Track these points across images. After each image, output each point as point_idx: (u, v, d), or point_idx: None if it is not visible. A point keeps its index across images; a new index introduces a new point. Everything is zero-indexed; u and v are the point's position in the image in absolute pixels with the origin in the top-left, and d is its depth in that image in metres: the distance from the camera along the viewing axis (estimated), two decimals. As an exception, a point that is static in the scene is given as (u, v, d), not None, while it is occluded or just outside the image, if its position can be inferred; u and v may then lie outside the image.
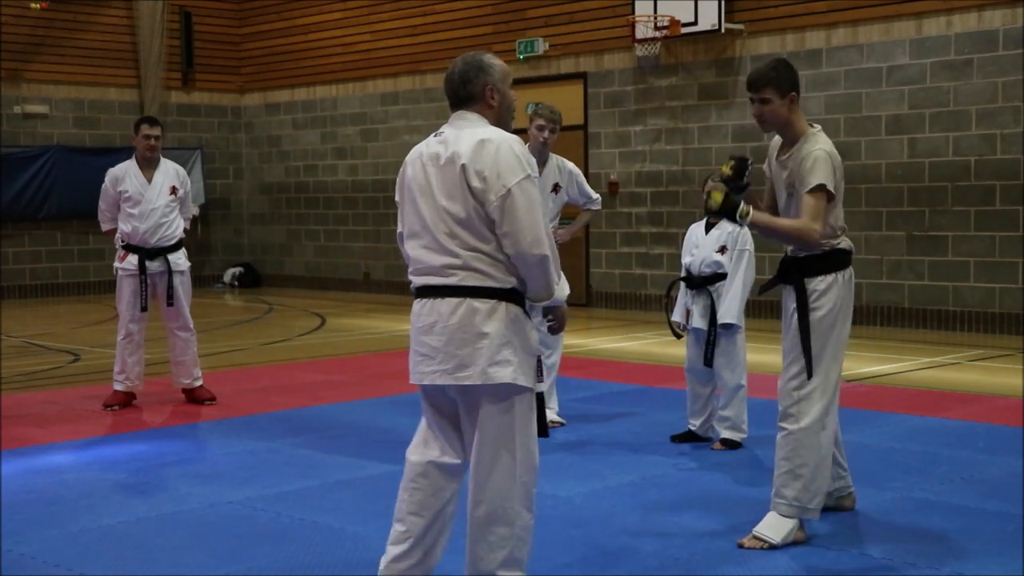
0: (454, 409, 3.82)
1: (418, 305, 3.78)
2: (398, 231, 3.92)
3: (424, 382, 3.78)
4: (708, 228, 6.59)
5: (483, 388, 3.67)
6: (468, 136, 3.70)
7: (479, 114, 3.80)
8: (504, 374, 3.66)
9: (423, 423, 3.92)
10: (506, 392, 3.69)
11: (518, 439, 3.72)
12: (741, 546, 4.66)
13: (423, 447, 3.87)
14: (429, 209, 3.72)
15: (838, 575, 4.40)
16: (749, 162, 4.82)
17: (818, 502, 4.75)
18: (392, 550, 3.86)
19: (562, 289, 3.84)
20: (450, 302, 3.69)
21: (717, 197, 4.65)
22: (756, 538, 4.67)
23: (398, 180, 3.92)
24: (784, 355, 4.82)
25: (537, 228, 3.64)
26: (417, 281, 3.79)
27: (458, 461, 3.85)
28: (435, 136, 3.81)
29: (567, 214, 7.41)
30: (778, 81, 4.66)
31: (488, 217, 3.65)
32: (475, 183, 3.63)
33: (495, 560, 3.70)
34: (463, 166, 3.64)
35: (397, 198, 3.94)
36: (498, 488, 3.70)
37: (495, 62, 3.83)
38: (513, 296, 3.73)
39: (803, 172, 4.62)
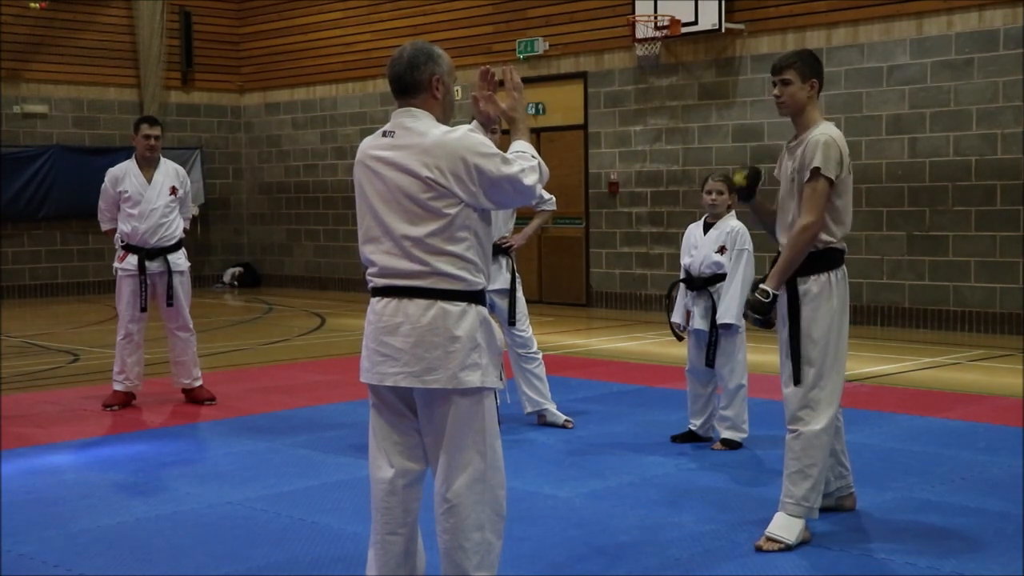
0: (411, 410, 3.71)
1: (380, 304, 3.66)
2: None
3: (386, 383, 3.63)
4: (706, 228, 6.58)
5: (450, 391, 3.60)
6: (422, 138, 3.60)
7: (425, 108, 3.68)
8: (473, 378, 3.60)
9: (376, 435, 3.75)
10: (473, 394, 3.64)
11: (486, 440, 3.66)
12: (759, 548, 4.64)
13: (385, 464, 3.72)
14: (393, 216, 3.61)
15: (839, 575, 4.40)
16: (762, 173, 4.91)
17: (820, 502, 4.79)
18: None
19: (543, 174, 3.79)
20: (420, 303, 3.59)
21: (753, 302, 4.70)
22: (771, 539, 4.66)
23: (354, 179, 3.78)
24: (782, 358, 4.82)
25: (520, 184, 3.64)
26: (380, 282, 3.67)
27: (421, 467, 3.76)
28: (385, 136, 3.68)
29: (522, 215, 7.29)
30: (800, 66, 4.77)
31: (476, 216, 3.63)
32: (459, 189, 3.56)
33: (470, 564, 3.63)
34: (431, 179, 3.55)
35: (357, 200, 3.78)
36: (469, 493, 3.61)
37: (444, 54, 3.76)
38: (480, 298, 3.69)
39: (806, 158, 4.67)
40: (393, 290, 3.64)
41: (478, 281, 3.67)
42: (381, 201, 3.64)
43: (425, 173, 3.56)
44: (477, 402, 3.65)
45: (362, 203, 3.72)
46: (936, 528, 4.95)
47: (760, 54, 13.09)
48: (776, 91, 4.81)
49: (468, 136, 3.63)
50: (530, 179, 3.68)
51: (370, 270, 3.72)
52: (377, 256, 3.66)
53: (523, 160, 3.71)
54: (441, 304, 3.60)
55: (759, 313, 4.67)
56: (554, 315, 13.88)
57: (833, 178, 4.65)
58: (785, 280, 4.69)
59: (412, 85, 3.69)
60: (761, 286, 4.69)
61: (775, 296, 4.67)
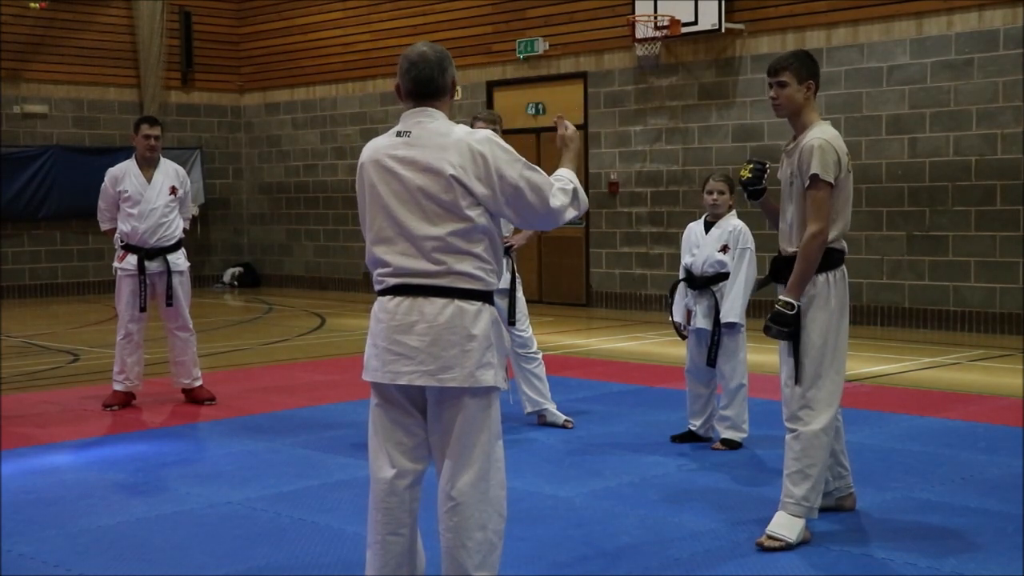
0: (418, 410, 3.70)
1: (392, 303, 3.62)
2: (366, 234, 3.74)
3: (399, 382, 3.61)
4: (708, 227, 6.57)
5: (464, 390, 3.60)
6: (444, 138, 3.59)
7: (441, 110, 3.69)
8: (488, 377, 3.61)
9: (378, 434, 3.73)
10: (484, 394, 3.65)
11: (491, 440, 3.66)
12: (760, 546, 4.64)
13: (386, 464, 3.70)
14: (410, 216, 3.58)
15: (839, 575, 4.40)
16: (766, 165, 4.89)
17: (820, 502, 4.79)
18: None
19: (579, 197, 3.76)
20: (437, 302, 3.58)
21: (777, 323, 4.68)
22: (772, 537, 4.66)
23: (358, 181, 3.76)
24: (782, 357, 4.82)
25: (544, 195, 3.63)
26: (392, 281, 3.64)
27: (423, 467, 3.75)
28: (399, 136, 3.67)
29: None
30: (797, 67, 4.75)
31: (490, 218, 3.62)
32: (479, 189, 3.55)
33: (472, 563, 3.63)
34: (454, 177, 3.54)
35: (359, 200, 3.77)
36: (473, 492, 3.61)
37: None
38: (492, 298, 3.71)
39: (803, 164, 4.66)
40: (407, 288, 3.62)
41: (493, 282, 3.68)
42: (398, 201, 3.61)
43: (449, 171, 3.55)
44: (486, 401, 3.66)
45: (373, 204, 3.67)
46: (936, 528, 4.95)
47: (760, 54, 13.08)
48: (772, 93, 4.79)
49: (491, 138, 3.62)
50: (558, 201, 3.67)
51: (380, 270, 3.68)
52: (391, 256, 3.63)
53: (557, 180, 3.71)
54: (458, 303, 3.59)
55: (784, 326, 4.66)
56: (554, 315, 13.88)
57: (832, 181, 4.64)
58: (800, 289, 4.68)
59: (441, 87, 3.69)
60: (783, 298, 4.67)
61: (799, 307, 4.66)
